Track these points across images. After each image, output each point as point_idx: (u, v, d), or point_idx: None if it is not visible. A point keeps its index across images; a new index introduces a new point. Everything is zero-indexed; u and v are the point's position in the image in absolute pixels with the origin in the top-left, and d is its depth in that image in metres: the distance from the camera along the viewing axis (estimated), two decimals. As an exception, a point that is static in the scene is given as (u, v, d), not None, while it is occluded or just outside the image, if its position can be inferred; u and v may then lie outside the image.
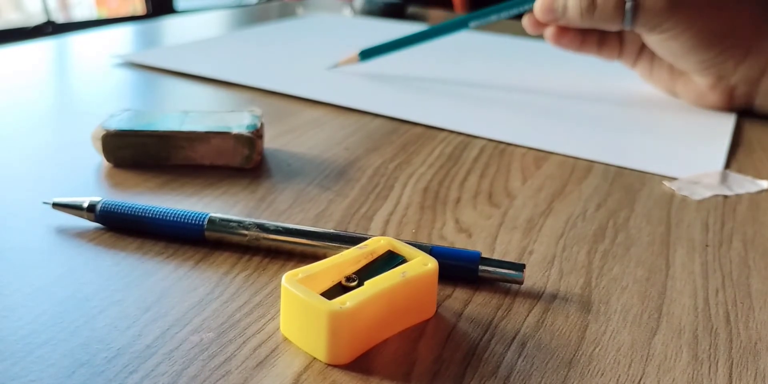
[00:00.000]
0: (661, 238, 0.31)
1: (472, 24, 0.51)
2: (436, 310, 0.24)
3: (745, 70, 0.46)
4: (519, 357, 0.22)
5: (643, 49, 0.50)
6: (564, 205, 0.33)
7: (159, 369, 0.21)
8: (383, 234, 0.30)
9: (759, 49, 0.46)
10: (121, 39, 0.66)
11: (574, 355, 0.23)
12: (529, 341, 0.23)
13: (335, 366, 0.21)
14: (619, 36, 0.50)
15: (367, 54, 0.54)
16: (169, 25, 0.74)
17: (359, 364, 0.21)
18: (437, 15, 0.86)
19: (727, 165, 0.40)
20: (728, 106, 0.49)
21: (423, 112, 0.45)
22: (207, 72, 0.51)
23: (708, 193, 0.36)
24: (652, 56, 0.50)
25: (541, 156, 0.40)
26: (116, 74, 0.52)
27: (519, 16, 0.50)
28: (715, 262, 0.29)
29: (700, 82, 0.48)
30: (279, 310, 0.23)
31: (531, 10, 0.48)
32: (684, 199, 0.35)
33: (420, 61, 0.59)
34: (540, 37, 0.50)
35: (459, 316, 0.24)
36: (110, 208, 0.28)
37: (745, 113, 0.50)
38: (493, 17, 0.50)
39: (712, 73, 0.46)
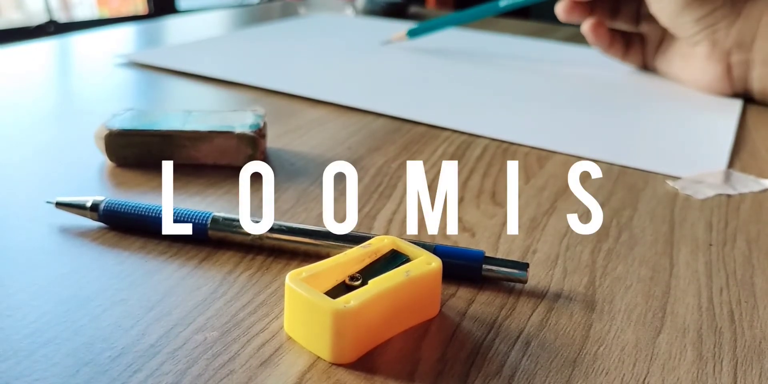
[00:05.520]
0: (664, 238, 0.31)
1: (502, 3, 0.58)
2: (440, 310, 0.24)
3: (738, 33, 0.49)
4: (523, 356, 0.22)
5: (659, 46, 0.56)
6: (567, 205, 0.33)
7: (163, 368, 0.21)
8: (387, 233, 0.30)
9: (750, 12, 0.49)
10: (123, 39, 0.66)
11: (578, 354, 0.22)
12: (533, 340, 0.23)
13: (339, 365, 0.21)
14: (641, 41, 0.57)
15: (414, 32, 0.62)
16: (171, 24, 0.74)
17: (363, 363, 0.21)
18: (438, 15, 0.86)
19: (731, 164, 0.40)
20: (728, 80, 0.51)
21: (426, 112, 0.45)
22: (209, 71, 0.51)
23: (711, 193, 0.36)
24: (665, 51, 0.56)
25: (544, 155, 0.40)
26: (119, 74, 0.52)
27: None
28: (719, 261, 0.29)
29: (698, 52, 0.51)
30: (283, 309, 0.23)
31: None
32: (687, 198, 0.35)
33: (422, 61, 0.59)
34: (541, 37, 0.50)
35: (463, 315, 0.24)
36: (113, 207, 0.28)
37: (746, 112, 0.50)
38: None
39: (707, 37, 0.50)
